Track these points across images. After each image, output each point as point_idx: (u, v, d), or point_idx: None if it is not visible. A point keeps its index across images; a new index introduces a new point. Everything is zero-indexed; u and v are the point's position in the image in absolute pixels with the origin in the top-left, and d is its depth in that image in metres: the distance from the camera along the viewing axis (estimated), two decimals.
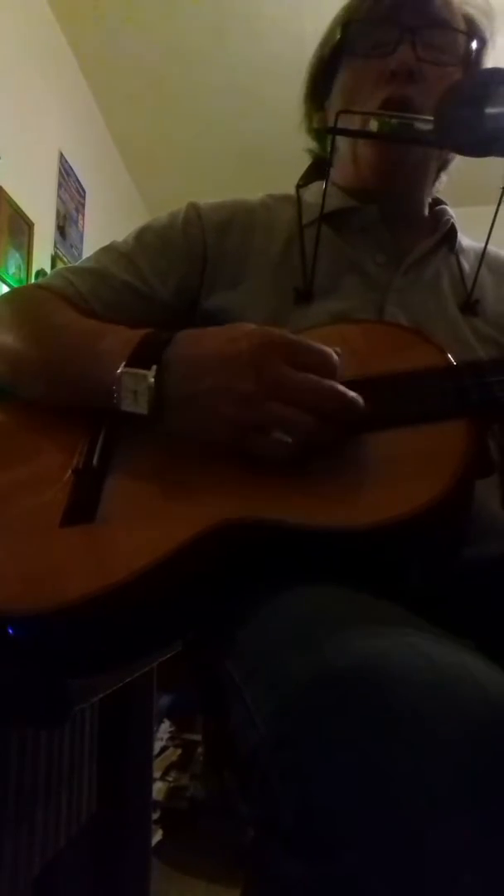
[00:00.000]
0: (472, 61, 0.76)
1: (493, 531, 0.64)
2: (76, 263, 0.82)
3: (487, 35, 0.77)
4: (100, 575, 0.50)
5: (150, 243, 0.79)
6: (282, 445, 0.52)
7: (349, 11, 0.77)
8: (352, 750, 0.33)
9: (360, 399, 0.52)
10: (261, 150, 3.37)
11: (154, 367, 0.55)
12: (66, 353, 0.64)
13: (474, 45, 0.75)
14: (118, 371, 0.56)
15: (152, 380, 0.54)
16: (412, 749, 0.32)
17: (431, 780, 0.30)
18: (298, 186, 0.85)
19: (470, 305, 0.76)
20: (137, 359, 0.56)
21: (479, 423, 0.54)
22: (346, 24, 0.76)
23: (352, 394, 0.52)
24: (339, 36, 0.76)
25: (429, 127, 0.62)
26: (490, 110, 0.58)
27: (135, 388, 0.55)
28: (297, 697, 0.37)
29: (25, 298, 0.77)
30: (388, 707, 0.33)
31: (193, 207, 0.81)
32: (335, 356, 0.54)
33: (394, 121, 0.68)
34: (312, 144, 0.88)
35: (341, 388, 0.51)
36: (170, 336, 0.58)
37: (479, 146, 0.60)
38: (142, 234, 0.80)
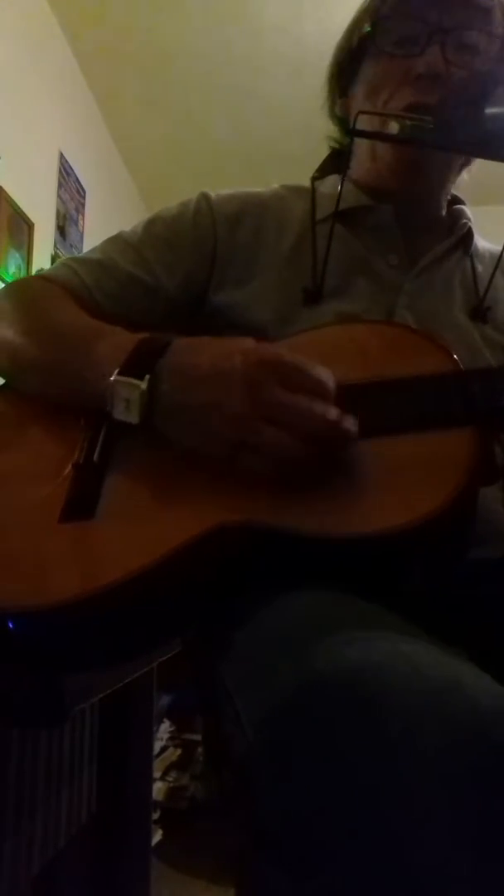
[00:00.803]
0: None
1: (495, 534, 0.64)
2: (82, 254, 0.81)
3: None
4: (97, 573, 0.50)
5: (159, 234, 0.77)
6: (266, 466, 0.51)
7: (377, 2, 0.73)
8: (338, 760, 0.32)
9: (353, 427, 0.50)
10: (261, 150, 3.38)
11: (147, 377, 0.54)
12: (61, 354, 0.64)
13: None
14: (111, 378, 0.55)
15: (145, 389, 0.54)
16: (399, 760, 0.31)
17: (418, 791, 0.30)
18: (314, 179, 0.83)
19: (480, 312, 0.75)
20: (131, 366, 0.55)
21: (486, 431, 0.53)
22: (374, 18, 0.73)
23: (345, 420, 0.50)
24: (366, 29, 0.73)
25: (429, 126, 0.61)
26: (490, 110, 0.58)
27: (127, 397, 0.54)
28: (284, 705, 0.37)
29: (28, 291, 0.76)
30: (376, 717, 0.33)
31: (205, 198, 0.79)
32: (331, 380, 0.52)
33: (409, 123, 0.66)
34: (332, 131, 0.85)
35: (334, 412, 0.50)
36: (166, 343, 0.57)
37: (479, 146, 0.60)
38: (151, 225, 0.78)
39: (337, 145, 0.85)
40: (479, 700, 0.33)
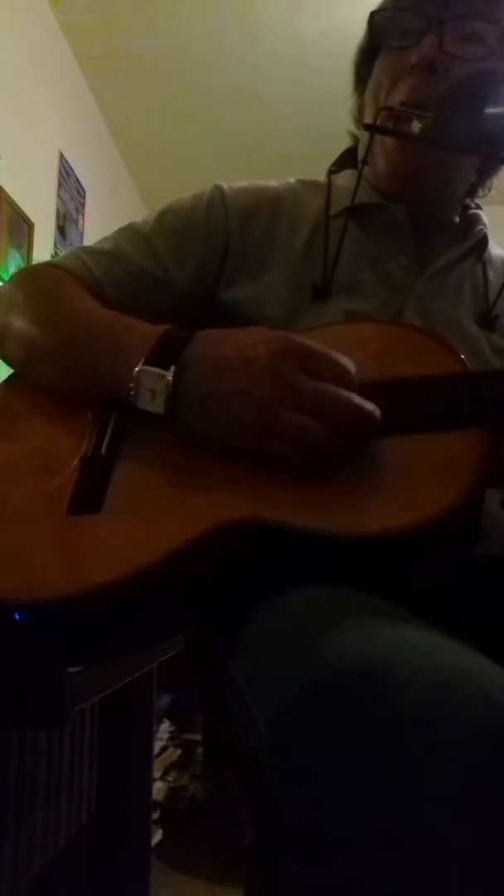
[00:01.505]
0: None
1: (495, 531, 0.64)
2: (93, 244, 0.79)
3: None
4: (103, 569, 0.50)
5: (171, 225, 0.76)
6: (294, 452, 0.51)
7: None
8: (353, 753, 0.33)
9: (376, 411, 0.51)
10: (261, 150, 3.38)
11: (173, 367, 0.54)
12: (85, 343, 0.63)
13: None
14: (136, 369, 0.55)
15: (171, 379, 0.54)
16: (414, 752, 0.31)
17: (433, 783, 0.30)
18: (330, 172, 0.83)
19: (489, 320, 0.74)
20: (157, 357, 0.56)
21: (494, 433, 0.53)
22: (373, 13, 0.72)
23: (369, 406, 0.51)
24: (371, 27, 0.72)
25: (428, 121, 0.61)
26: (490, 110, 0.58)
27: (152, 387, 0.55)
28: (297, 700, 0.37)
29: (39, 279, 0.75)
30: (389, 710, 0.33)
31: (218, 190, 0.78)
32: (353, 368, 0.53)
33: (427, 122, 0.63)
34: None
35: (358, 399, 0.51)
36: (190, 334, 0.57)
37: (478, 145, 0.60)
38: (163, 216, 0.77)
39: (354, 141, 0.85)
40: (491, 692, 0.33)
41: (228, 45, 2.91)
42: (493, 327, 0.74)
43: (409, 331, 0.65)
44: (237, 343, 0.55)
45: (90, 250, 0.77)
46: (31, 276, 0.77)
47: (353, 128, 0.84)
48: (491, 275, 0.78)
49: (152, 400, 0.55)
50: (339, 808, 0.32)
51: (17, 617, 0.50)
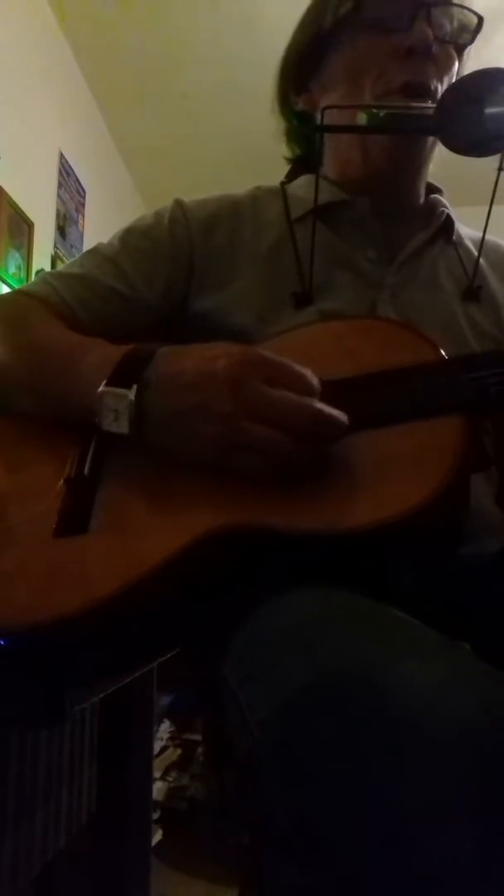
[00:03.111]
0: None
1: (488, 529, 0.64)
2: (61, 268, 0.81)
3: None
4: (95, 587, 0.50)
5: (136, 245, 0.77)
6: (261, 465, 0.51)
7: None
8: (347, 756, 0.33)
9: (341, 416, 0.50)
10: (261, 149, 3.37)
11: (135, 387, 0.54)
12: (48, 369, 0.64)
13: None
14: (99, 390, 0.55)
15: (132, 398, 0.54)
16: (408, 755, 0.31)
17: (428, 786, 0.30)
18: (283, 184, 0.84)
19: (472, 293, 0.75)
20: (118, 377, 0.55)
21: (473, 418, 0.53)
22: None
23: (330, 411, 0.50)
24: (347, 7, 0.72)
25: (428, 116, 0.61)
26: (490, 110, 0.58)
27: (115, 408, 0.55)
28: (291, 703, 0.37)
29: (10, 307, 0.76)
30: (382, 712, 0.33)
31: (179, 206, 0.79)
32: (311, 374, 0.53)
33: (383, 113, 0.65)
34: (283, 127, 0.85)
35: (318, 405, 0.51)
36: (151, 353, 0.57)
37: (479, 146, 0.60)
38: (126, 236, 0.78)
39: (298, 151, 0.86)
40: (486, 693, 0.33)
41: (229, 45, 2.91)
42: (479, 298, 0.75)
43: (381, 324, 0.65)
44: (196, 358, 0.55)
45: (59, 275, 0.78)
46: (1, 306, 0.78)
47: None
48: (463, 253, 0.79)
49: (116, 420, 0.55)
50: (332, 809, 0.32)
51: (2, 643, 0.49)
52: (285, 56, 0.81)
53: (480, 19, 0.71)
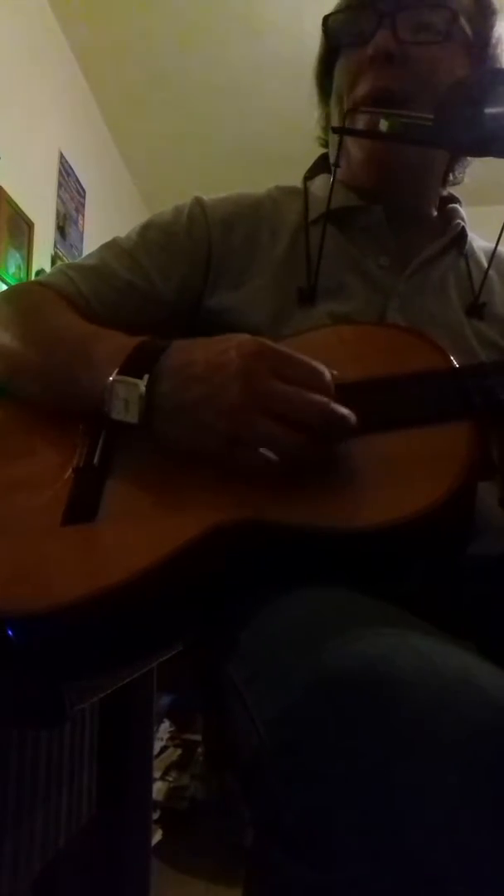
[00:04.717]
0: (481, 31, 0.73)
1: (492, 530, 0.64)
2: (79, 259, 0.81)
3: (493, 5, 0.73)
4: (100, 575, 0.50)
5: (154, 239, 0.77)
6: (266, 460, 0.51)
7: (337, 3, 0.75)
8: (353, 755, 0.32)
9: (350, 415, 0.50)
10: (261, 150, 3.37)
11: (146, 377, 0.54)
12: (60, 358, 0.64)
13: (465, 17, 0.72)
14: (110, 379, 0.55)
15: (143, 389, 0.54)
16: (414, 753, 0.31)
17: (434, 784, 0.30)
18: (306, 178, 0.84)
19: (476, 309, 0.75)
20: (130, 367, 0.56)
21: (481, 426, 0.53)
22: (326, 17, 0.74)
23: (341, 410, 0.50)
24: (325, 36, 0.75)
25: (428, 125, 0.61)
26: (489, 110, 0.58)
27: (126, 397, 0.55)
28: (297, 702, 0.37)
29: (26, 297, 0.76)
30: (389, 711, 0.33)
31: (198, 203, 0.79)
32: (327, 372, 0.52)
33: (403, 120, 0.65)
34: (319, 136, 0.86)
35: (330, 403, 0.50)
36: (164, 345, 0.57)
37: (478, 146, 0.60)
38: (145, 230, 0.79)
39: (325, 146, 0.86)
40: (490, 693, 0.33)
41: (229, 46, 2.91)
42: (482, 315, 0.75)
43: (391, 330, 0.66)
44: (208, 349, 0.54)
45: (77, 266, 0.78)
46: (18, 294, 0.79)
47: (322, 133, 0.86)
48: (473, 266, 0.79)
49: (126, 409, 0.55)
50: (340, 809, 0.32)
51: (10, 633, 0.49)
52: (315, 64, 0.82)
53: (454, 13, 0.70)
